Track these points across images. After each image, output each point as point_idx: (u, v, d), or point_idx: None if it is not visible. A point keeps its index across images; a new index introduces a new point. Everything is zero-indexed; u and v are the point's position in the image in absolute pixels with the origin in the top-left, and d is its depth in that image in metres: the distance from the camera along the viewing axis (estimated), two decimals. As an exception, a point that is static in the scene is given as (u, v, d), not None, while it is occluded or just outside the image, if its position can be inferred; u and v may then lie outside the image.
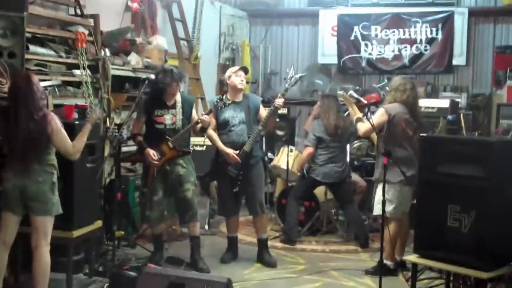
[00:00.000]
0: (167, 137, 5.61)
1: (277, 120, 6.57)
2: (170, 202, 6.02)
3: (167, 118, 5.68)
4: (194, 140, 6.81)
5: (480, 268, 4.11)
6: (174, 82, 5.67)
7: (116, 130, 5.87)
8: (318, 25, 10.64)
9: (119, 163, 5.91)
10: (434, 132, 6.69)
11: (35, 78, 4.47)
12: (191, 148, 6.09)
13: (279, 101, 5.79)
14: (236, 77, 5.97)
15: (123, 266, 5.22)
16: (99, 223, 5.21)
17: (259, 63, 10.84)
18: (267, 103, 6.75)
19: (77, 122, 4.87)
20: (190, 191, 5.70)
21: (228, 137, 5.92)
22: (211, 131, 5.89)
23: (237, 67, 6.21)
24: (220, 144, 5.89)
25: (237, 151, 5.81)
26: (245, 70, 6.13)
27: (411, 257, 4.51)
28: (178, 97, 5.75)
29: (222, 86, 9.82)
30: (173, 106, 5.70)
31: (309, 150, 6.90)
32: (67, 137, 4.48)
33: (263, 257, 6.12)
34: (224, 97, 5.85)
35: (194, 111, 5.92)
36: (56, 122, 4.42)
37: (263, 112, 6.01)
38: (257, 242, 6.24)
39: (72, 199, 4.75)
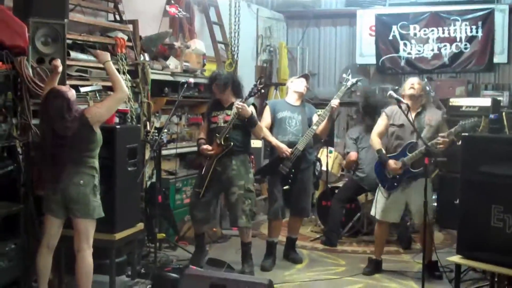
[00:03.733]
0: (217, 134, 5.66)
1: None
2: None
3: (220, 118, 5.74)
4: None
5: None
6: (214, 86, 5.73)
7: (156, 134, 5.92)
8: (355, 26, 10.55)
9: (160, 166, 5.97)
10: (476, 131, 6.56)
11: (64, 91, 4.43)
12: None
13: (334, 101, 5.82)
14: (299, 83, 6.13)
15: (165, 268, 5.32)
16: (140, 226, 5.26)
17: (296, 64, 10.81)
18: (308, 102, 6.76)
19: (118, 127, 4.93)
20: (235, 195, 5.63)
21: (283, 136, 5.96)
22: (264, 128, 5.90)
23: (299, 75, 6.39)
24: (272, 139, 5.92)
25: (290, 149, 5.84)
26: (306, 77, 6.26)
27: (455, 258, 4.46)
28: (235, 100, 5.74)
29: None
30: (229, 107, 5.74)
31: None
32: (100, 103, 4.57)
33: (289, 254, 6.25)
34: (259, 84, 5.76)
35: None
36: (88, 108, 4.50)
37: (316, 118, 6.02)
38: (285, 240, 6.33)
39: (113, 202, 4.80)
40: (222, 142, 5.60)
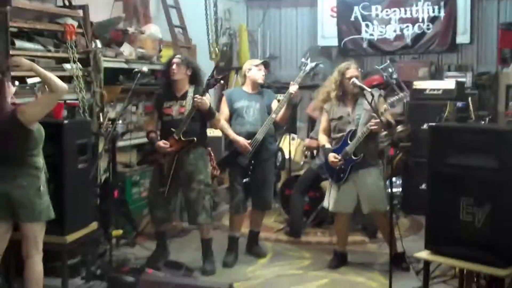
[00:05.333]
0: (172, 129, 5.36)
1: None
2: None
3: (174, 110, 5.43)
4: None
5: (495, 264, 3.88)
6: (175, 65, 5.40)
7: (111, 125, 5.64)
8: (316, 7, 10.35)
9: (115, 159, 5.71)
10: (441, 117, 6.43)
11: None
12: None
13: (293, 88, 5.56)
14: (257, 71, 5.81)
15: (121, 269, 5.06)
16: (94, 226, 4.97)
17: (257, 48, 10.55)
18: (266, 87, 6.51)
19: (66, 121, 4.60)
20: (195, 191, 5.38)
21: (241, 126, 5.71)
22: (222, 120, 5.67)
23: (258, 60, 6.04)
24: (230, 132, 5.68)
25: (249, 141, 5.61)
26: (266, 64, 5.95)
27: (423, 254, 4.28)
28: (189, 88, 5.47)
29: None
30: (183, 97, 5.44)
31: None
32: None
33: (252, 248, 6.05)
34: (218, 79, 5.48)
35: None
36: (21, 107, 4.11)
37: (275, 106, 5.79)
38: (248, 233, 6.11)
39: (63, 203, 4.51)
40: (182, 137, 5.31)
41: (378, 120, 5.08)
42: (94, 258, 5.31)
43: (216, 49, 8.51)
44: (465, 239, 4.00)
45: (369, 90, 5.03)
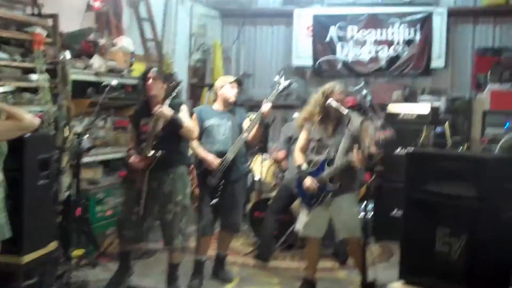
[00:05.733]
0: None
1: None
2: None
3: (151, 126, 5.12)
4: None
5: (472, 298, 3.75)
6: (151, 80, 5.11)
7: (77, 139, 5.43)
8: (292, 26, 10.27)
9: (78, 175, 5.47)
10: (417, 142, 6.32)
11: None
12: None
13: (265, 106, 5.34)
14: (230, 89, 5.59)
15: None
16: (53, 245, 4.72)
17: (231, 64, 10.42)
18: (238, 105, 6.34)
19: (27, 135, 4.35)
20: (171, 213, 5.11)
21: (212, 145, 5.47)
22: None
23: (231, 77, 5.80)
24: (200, 150, 5.43)
25: (219, 160, 5.40)
26: (239, 82, 5.73)
27: (397, 285, 4.12)
28: (164, 104, 5.12)
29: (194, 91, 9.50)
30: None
31: None
32: None
33: (219, 272, 5.82)
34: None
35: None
36: None
37: (247, 124, 5.57)
38: (215, 256, 5.87)
39: (21, 221, 4.27)
40: (148, 154, 5.07)
41: (359, 154, 4.89)
42: (53, 278, 5.03)
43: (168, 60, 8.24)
44: (440, 271, 3.86)
45: (347, 112, 4.89)
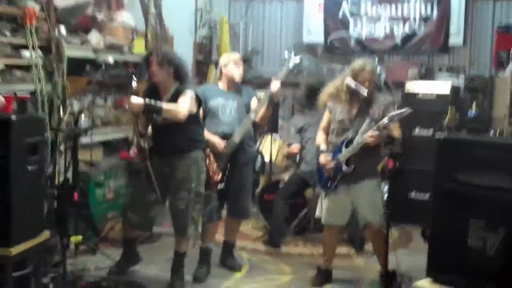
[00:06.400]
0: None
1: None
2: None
3: None
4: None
5: (508, 298, 3.37)
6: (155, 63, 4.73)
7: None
8: (303, 1, 9.81)
9: (76, 158, 5.12)
10: (441, 124, 5.89)
11: None
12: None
13: (274, 85, 4.98)
14: (235, 69, 5.23)
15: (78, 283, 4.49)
16: (46, 235, 4.31)
17: (239, 41, 9.96)
18: (246, 83, 5.94)
19: (13, 118, 3.93)
20: (184, 201, 4.75)
21: (216, 127, 5.14)
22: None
23: (236, 55, 5.43)
24: (205, 132, 5.07)
25: (224, 143, 5.09)
26: (244, 60, 5.40)
27: (424, 282, 3.73)
28: (172, 87, 4.79)
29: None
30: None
31: None
32: None
33: (227, 260, 5.52)
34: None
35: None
36: None
37: (255, 104, 5.22)
38: (222, 244, 5.58)
39: (9, 210, 3.86)
40: (143, 145, 4.72)
41: (376, 132, 4.57)
42: (49, 266, 4.75)
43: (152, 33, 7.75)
44: (473, 268, 3.47)
45: (365, 93, 4.51)
